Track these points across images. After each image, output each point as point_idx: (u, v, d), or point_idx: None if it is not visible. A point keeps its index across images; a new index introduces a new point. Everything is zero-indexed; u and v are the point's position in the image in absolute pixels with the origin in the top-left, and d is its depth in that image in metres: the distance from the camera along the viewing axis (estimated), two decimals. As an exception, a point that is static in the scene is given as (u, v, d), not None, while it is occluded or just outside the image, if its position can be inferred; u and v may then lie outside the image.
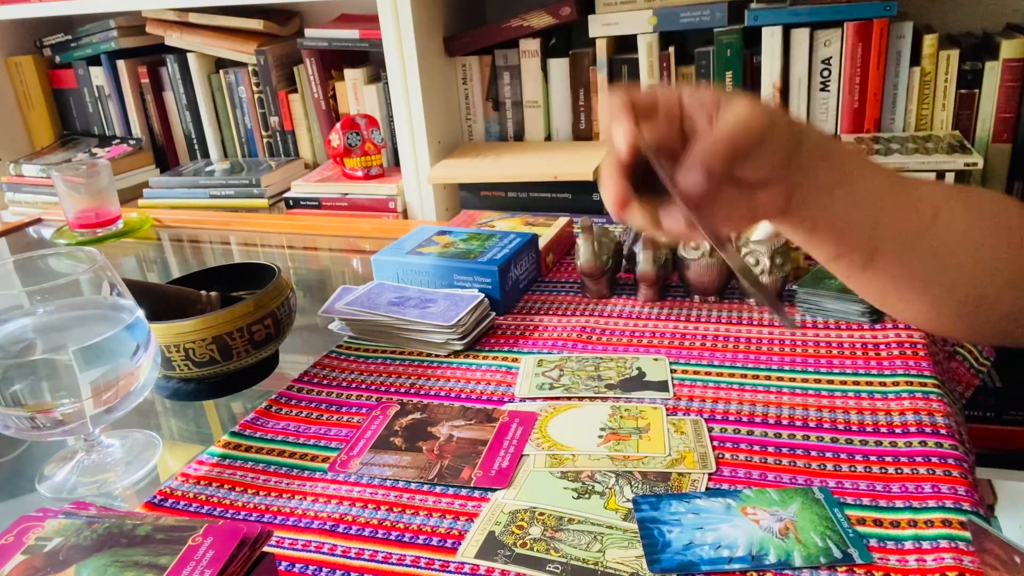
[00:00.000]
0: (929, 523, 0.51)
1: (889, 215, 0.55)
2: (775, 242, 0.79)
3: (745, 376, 0.69)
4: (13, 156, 1.55)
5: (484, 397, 0.70)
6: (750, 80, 1.17)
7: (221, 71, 1.45)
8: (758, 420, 0.63)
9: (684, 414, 0.65)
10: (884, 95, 1.14)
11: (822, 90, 1.15)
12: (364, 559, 0.51)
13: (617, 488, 0.56)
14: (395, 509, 0.56)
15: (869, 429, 0.61)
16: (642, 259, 0.82)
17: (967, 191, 0.57)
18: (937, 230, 0.55)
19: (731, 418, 0.64)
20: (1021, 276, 0.55)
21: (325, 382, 0.74)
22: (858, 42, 1.11)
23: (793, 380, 0.68)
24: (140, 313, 0.61)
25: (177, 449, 0.69)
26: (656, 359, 0.73)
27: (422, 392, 0.71)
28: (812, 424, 0.62)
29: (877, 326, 0.75)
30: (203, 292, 0.81)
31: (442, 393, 0.71)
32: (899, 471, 0.56)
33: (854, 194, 0.55)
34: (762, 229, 0.83)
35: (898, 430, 0.60)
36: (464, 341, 0.77)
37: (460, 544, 0.52)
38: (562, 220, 1.01)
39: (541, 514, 0.54)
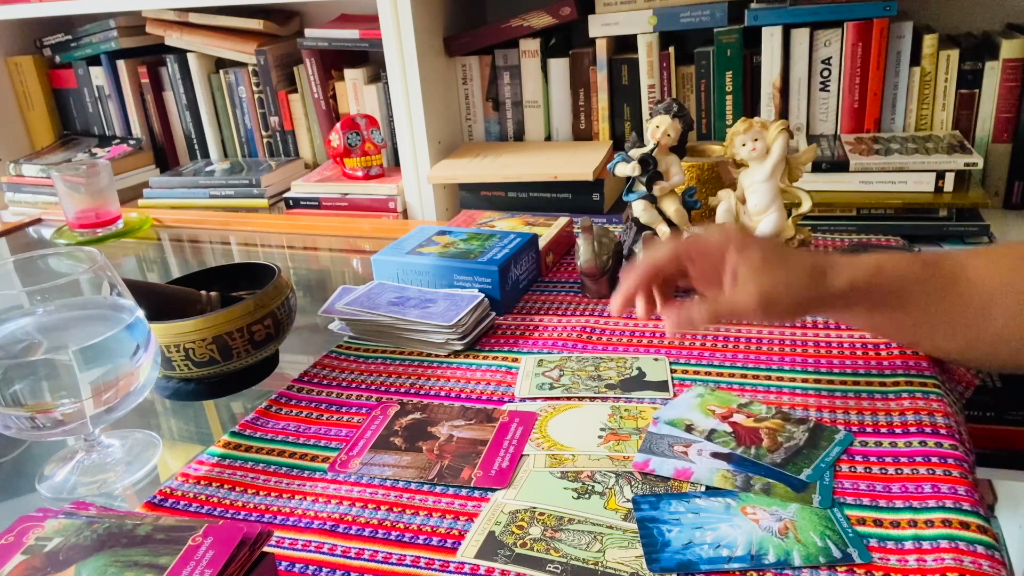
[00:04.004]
0: (929, 523, 0.51)
1: (935, 319, 0.57)
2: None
3: (745, 376, 0.69)
4: (13, 156, 1.55)
5: (484, 397, 0.70)
6: (750, 80, 1.17)
7: (221, 71, 1.45)
8: (758, 420, 0.63)
9: (684, 414, 0.65)
10: (884, 95, 1.14)
11: (822, 90, 1.15)
12: (364, 559, 0.51)
13: (617, 488, 0.56)
14: (395, 509, 0.56)
15: (869, 429, 0.61)
16: None
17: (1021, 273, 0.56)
18: (989, 323, 0.56)
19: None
20: None
21: (325, 382, 0.74)
22: (858, 42, 1.11)
23: (793, 380, 0.68)
24: (140, 313, 0.61)
25: (177, 449, 0.69)
26: (656, 359, 0.73)
27: (422, 392, 0.71)
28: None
29: (877, 326, 0.75)
30: (203, 292, 0.81)
31: (442, 393, 0.71)
32: (899, 471, 0.56)
33: (896, 317, 0.58)
34: (761, 229, 0.83)
35: (898, 430, 0.60)
36: (464, 341, 0.77)
37: (460, 544, 0.52)
38: (562, 220, 1.01)
39: (541, 514, 0.54)
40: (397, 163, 1.29)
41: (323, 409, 0.70)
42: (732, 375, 0.70)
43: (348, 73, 1.35)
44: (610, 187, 1.17)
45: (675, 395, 0.67)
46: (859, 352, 0.71)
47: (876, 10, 1.09)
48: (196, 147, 1.53)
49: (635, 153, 0.85)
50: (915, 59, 1.12)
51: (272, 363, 0.81)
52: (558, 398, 0.68)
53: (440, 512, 0.55)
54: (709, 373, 0.70)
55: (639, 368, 0.72)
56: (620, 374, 0.71)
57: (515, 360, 0.75)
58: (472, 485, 0.58)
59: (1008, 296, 0.55)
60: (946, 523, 0.50)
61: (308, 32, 1.33)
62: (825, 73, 1.14)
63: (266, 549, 0.46)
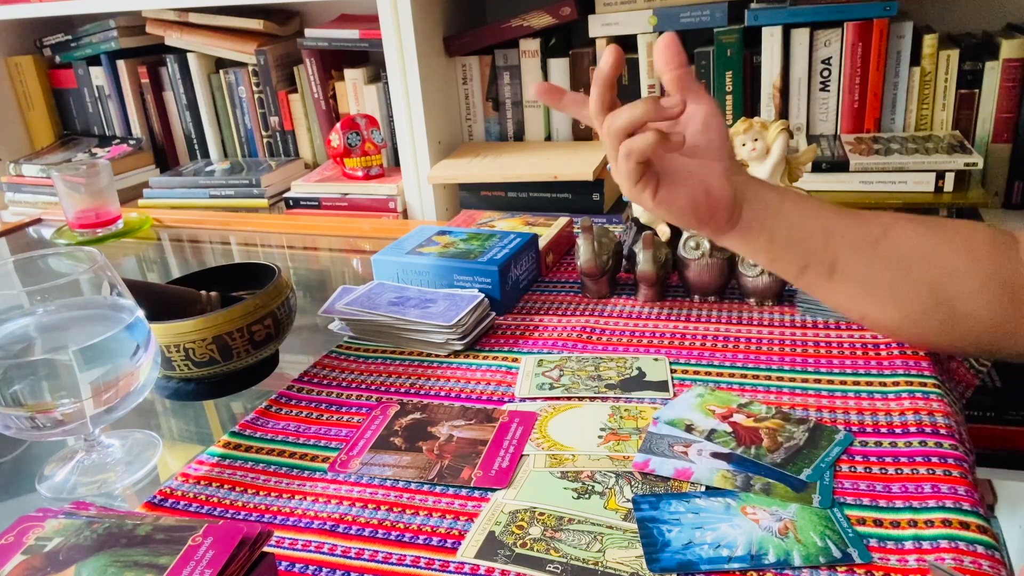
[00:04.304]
0: (929, 523, 0.51)
1: (840, 229, 0.62)
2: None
3: (745, 376, 0.69)
4: (13, 156, 1.55)
5: (484, 397, 0.70)
6: (750, 80, 1.17)
7: (221, 71, 1.45)
8: (758, 420, 0.63)
9: (684, 414, 0.65)
10: (884, 95, 1.14)
11: (822, 90, 1.15)
12: (364, 559, 0.52)
13: (617, 488, 0.56)
14: (395, 509, 0.56)
15: (869, 429, 0.61)
16: (642, 259, 0.82)
17: (918, 216, 0.64)
18: (890, 241, 0.61)
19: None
20: (989, 283, 0.59)
21: (325, 382, 0.74)
22: (858, 42, 1.11)
23: (793, 380, 0.68)
24: (140, 313, 0.61)
25: (177, 449, 0.69)
26: (656, 359, 0.73)
27: (422, 392, 0.71)
28: (812, 424, 0.62)
29: (877, 326, 0.75)
30: (203, 292, 0.81)
31: (442, 393, 0.71)
32: (899, 471, 0.56)
33: (804, 209, 0.62)
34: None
35: (898, 430, 0.60)
36: (464, 341, 0.77)
37: (460, 544, 0.52)
38: (562, 220, 1.01)
39: (541, 514, 0.54)
40: (397, 163, 1.29)
41: (323, 409, 0.70)
42: (732, 375, 0.70)
43: (348, 73, 1.35)
44: (610, 187, 1.17)
45: (675, 395, 0.67)
46: (859, 352, 0.71)
47: (876, 10, 1.09)
48: (196, 147, 1.53)
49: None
50: (915, 59, 1.12)
51: (272, 363, 0.81)
52: (558, 398, 0.68)
53: (440, 512, 0.55)
54: (709, 373, 0.70)
55: (639, 368, 0.72)
56: (620, 374, 0.71)
57: (515, 360, 0.75)
58: (472, 485, 0.58)
59: (903, 224, 0.62)
60: (946, 523, 0.50)
61: (308, 32, 1.33)
62: (825, 73, 1.14)
63: (266, 549, 0.46)
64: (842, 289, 0.63)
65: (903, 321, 0.63)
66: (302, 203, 1.29)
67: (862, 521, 0.52)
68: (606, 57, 0.58)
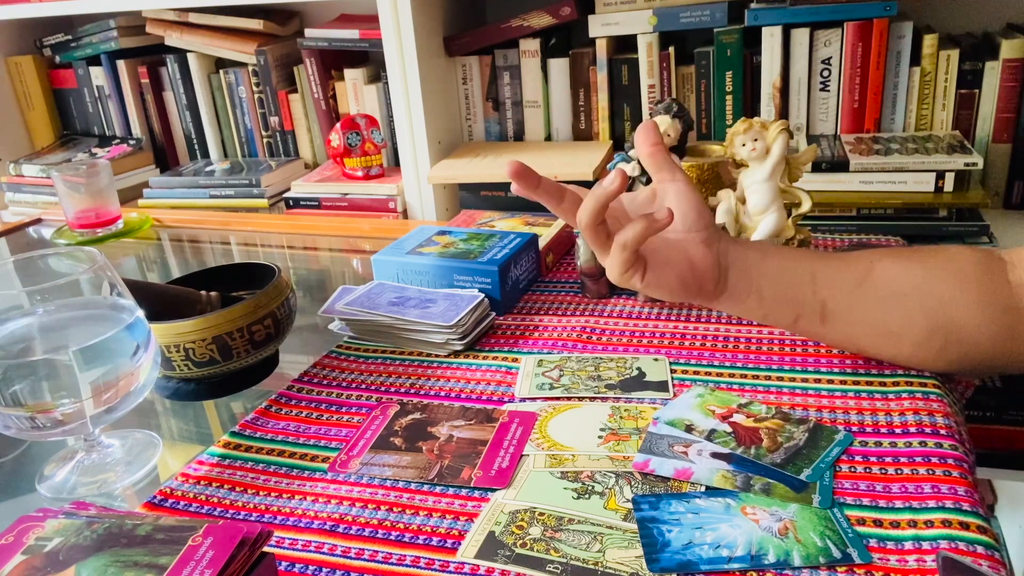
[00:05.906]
0: (929, 523, 0.51)
1: (825, 274, 0.64)
2: (775, 243, 0.79)
3: (745, 376, 0.69)
4: (13, 156, 1.55)
5: (484, 397, 0.70)
6: (750, 80, 1.17)
7: (221, 71, 1.45)
8: (758, 420, 0.63)
9: (684, 414, 0.65)
10: (884, 95, 1.14)
11: (822, 90, 1.15)
12: (364, 559, 0.52)
13: (617, 488, 0.56)
14: (395, 509, 0.56)
15: (869, 429, 0.61)
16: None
17: (901, 249, 0.67)
18: (875, 278, 0.63)
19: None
20: (983, 306, 0.61)
21: (325, 382, 0.74)
22: (858, 42, 1.11)
23: (793, 380, 0.68)
24: (140, 313, 0.61)
25: (177, 449, 0.69)
26: (656, 359, 0.73)
27: (422, 392, 0.71)
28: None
29: (877, 326, 0.75)
30: (203, 292, 0.81)
31: (442, 393, 0.71)
32: (899, 471, 0.56)
33: (786, 262, 0.65)
34: (762, 229, 0.83)
35: (898, 430, 0.60)
36: (464, 341, 0.77)
37: (460, 544, 0.52)
38: (562, 220, 1.01)
39: (541, 514, 0.54)
40: (397, 163, 1.29)
41: (323, 409, 0.70)
42: (732, 375, 0.70)
43: (348, 73, 1.35)
44: (610, 187, 1.17)
45: (675, 395, 0.67)
46: (859, 352, 0.71)
47: (876, 10, 1.09)
48: (196, 147, 1.53)
49: (635, 153, 0.85)
50: (915, 59, 1.12)
51: (272, 363, 0.81)
52: (558, 398, 0.68)
53: (440, 512, 0.55)
54: (709, 373, 0.70)
55: (639, 368, 0.72)
56: (620, 374, 0.71)
57: (515, 360, 0.75)
58: (472, 485, 0.58)
59: (886, 259, 0.64)
60: (946, 523, 0.50)
61: (308, 32, 1.33)
62: (825, 73, 1.14)
63: (266, 549, 0.46)
64: (836, 330, 0.66)
65: (901, 351, 0.65)
66: (302, 203, 1.29)
67: (862, 521, 0.52)
68: (615, 180, 0.58)
